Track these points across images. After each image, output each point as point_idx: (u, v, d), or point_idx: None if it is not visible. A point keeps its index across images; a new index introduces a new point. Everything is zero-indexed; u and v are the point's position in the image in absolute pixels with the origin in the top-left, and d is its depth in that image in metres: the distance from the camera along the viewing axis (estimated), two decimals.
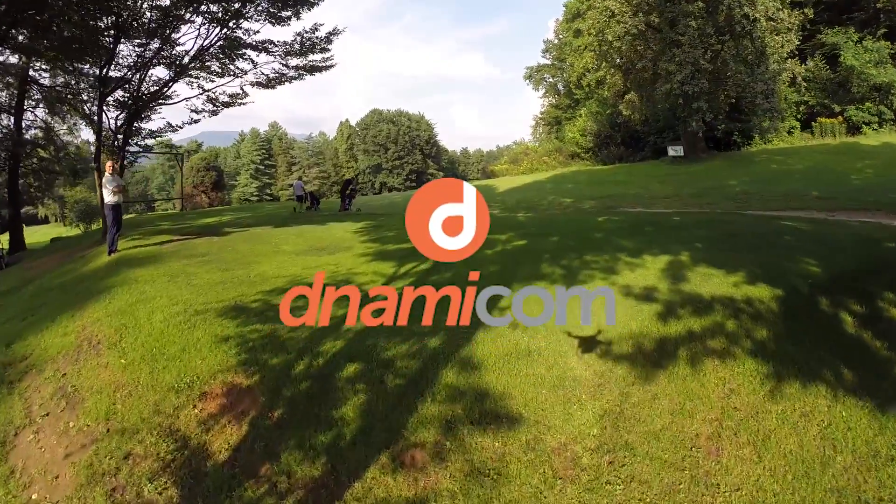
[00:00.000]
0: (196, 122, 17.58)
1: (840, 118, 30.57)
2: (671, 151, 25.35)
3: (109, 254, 11.86)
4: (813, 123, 30.72)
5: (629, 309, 5.95)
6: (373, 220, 15.04)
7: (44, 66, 19.30)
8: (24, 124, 24.01)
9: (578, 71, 45.84)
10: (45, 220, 56.28)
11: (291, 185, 73.51)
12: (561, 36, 52.20)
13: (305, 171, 74.13)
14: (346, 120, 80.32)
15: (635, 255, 8.45)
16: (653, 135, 30.78)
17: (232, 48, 16.91)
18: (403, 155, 75.56)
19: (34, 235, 40.11)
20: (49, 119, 26.27)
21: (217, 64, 17.56)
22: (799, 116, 32.12)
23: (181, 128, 17.76)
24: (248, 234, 13.28)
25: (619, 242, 9.34)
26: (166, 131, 17.90)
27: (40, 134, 26.34)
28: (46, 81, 21.37)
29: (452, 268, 7.67)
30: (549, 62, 55.28)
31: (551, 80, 55.77)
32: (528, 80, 56.71)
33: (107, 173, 12.18)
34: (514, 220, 12.96)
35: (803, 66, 28.15)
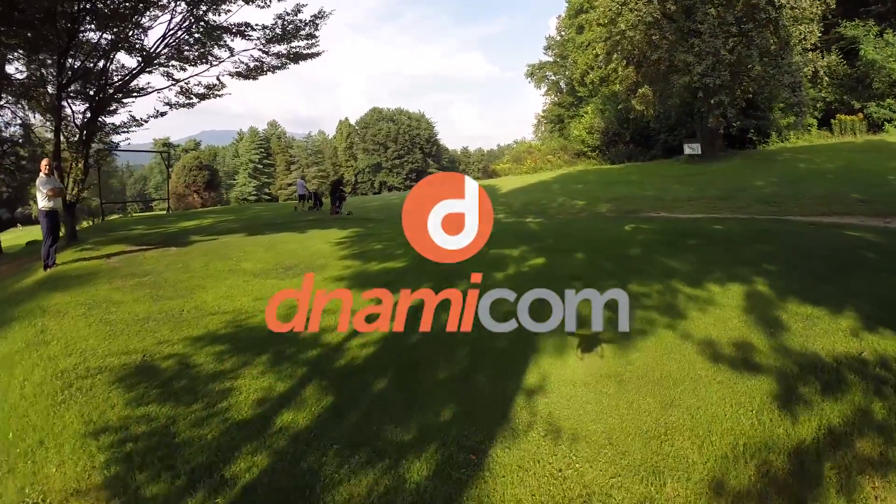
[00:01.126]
0: (163, 114, 15.30)
1: (860, 115, 28.42)
2: (687, 149, 23.01)
3: (45, 268, 9.80)
4: (832, 121, 28.54)
5: (729, 390, 3.71)
6: (362, 226, 12.81)
7: (10, 56, 17.02)
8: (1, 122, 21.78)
9: (582, 68, 43.50)
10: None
11: (290, 185, 71.36)
12: (563, 32, 49.92)
13: (304, 170, 71.77)
14: (346, 118, 77.95)
15: (694, 282, 6.20)
16: (664, 132, 28.42)
17: (207, 34, 14.63)
18: (403, 154, 73.19)
19: (24, 237, 37.96)
20: (27, 116, 24.02)
21: (189, 50, 15.27)
22: (816, 113, 29.93)
23: (146, 121, 15.48)
24: (214, 244, 11.06)
25: (665, 262, 7.10)
26: (131, 126, 15.59)
27: (20, 132, 24.10)
28: (22, 76, 19.10)
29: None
30: (551, 59, 52.94)
31: (553, 77, 53.43)
32: (529, 78, 54.38)
33: (41, 174, 10.05)
34: (524, 229, 10.70)
35: (825, 59, 25.82)
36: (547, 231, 10.00)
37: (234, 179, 73.41)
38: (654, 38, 20.87)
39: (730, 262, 7.07)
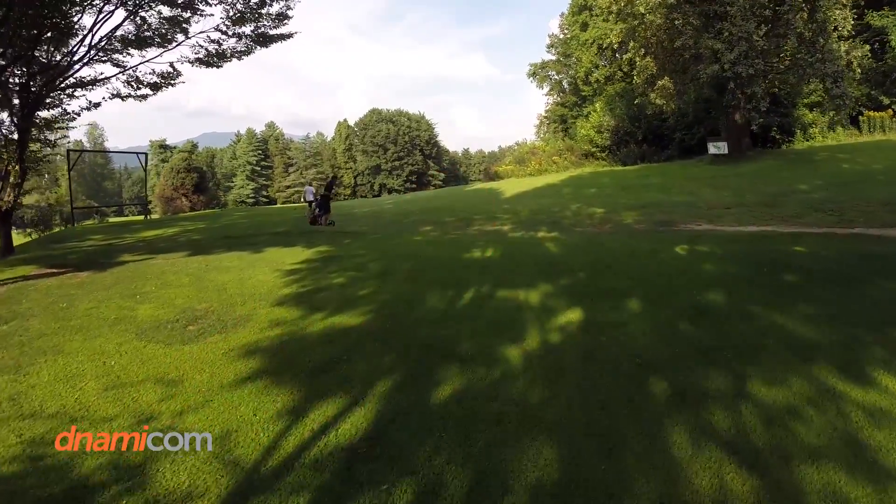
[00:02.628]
0: (97, 105, 12.60)
1: (889, 111, 25.64)
2: (712, 149, 20.16)
3: None
4: (860, 117, 25.76)
5: None
6: (334, 244, 10.04)
7: None
8: None
9: (586, 66, 40.67)
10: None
11: (289, 187, 68.55)
12: (566, 30, 47.08)
13: (302, 171, 69.08)
14: (345, 119, 75.07)
15: (854, 372, 3.44)
16: (679, 130, 25.57)
17: (151, 8, 11.88)
18: (403, 155, 70.28)
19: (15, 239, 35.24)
20: None
21: (139, 32, 12.55)
22: (849, 111, 27.13)
23: (78, 115, 12.77)
24: (135, 268, 8.34)
25: (776, 321, 4.32)
26: (62, 120, 12.88)
27: None
28: None
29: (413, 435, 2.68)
30: (553, 58, 50.08)
31: (556, 76, 50.56)
32: (531, 77, 51.48)
33: None
34: (540, 251, 7.92)
35: (859, 49, 22.94)
36: (573, 255, 7.21)
37: (232, 182, 70.73)
38: (676, 22, 18.05)
39: (873, 319, 4.32)
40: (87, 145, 71.28)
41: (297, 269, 7.23)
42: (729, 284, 5.38)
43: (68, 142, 64.92)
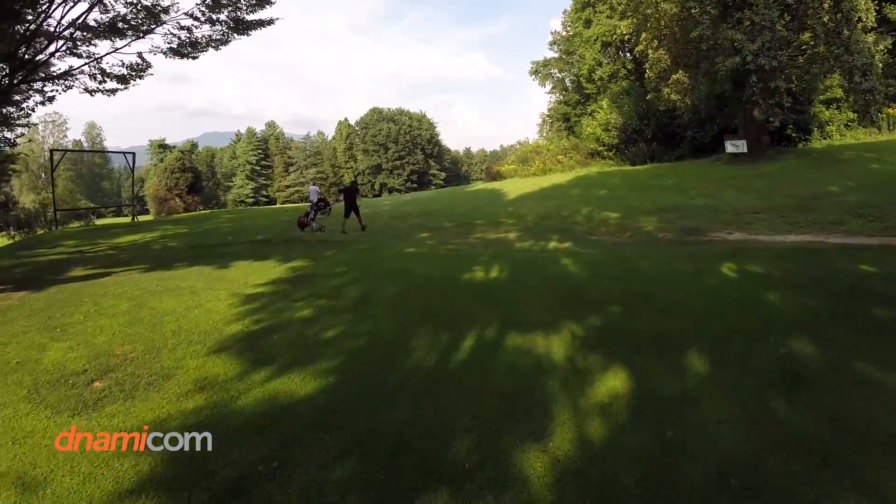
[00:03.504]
0: (51, 100, 11.31)
1: None
2: (730, 147, 18.72)
3: None
4: (879, 115, 24.32)
5: None
6: (315, 255, 8.71)
7: None
8: None
9: (589, 63, 39.24)
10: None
11: (288, 186, 67.26)
12: (569, 27, 45.59)
13: (303, 171, 67.80)
14: (346, 119, 73.63)
15: None
16: (691, 128, 24.11)
17: None
18: (404, 155, 68.85)
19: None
20: None
21: (108, 20, 11.24)
22: (856, 107, 25.70)
23: (33, 110, 11.49)
24: (73, 289, 7.04)
25: None
26: (17, 117, 11.58)
27: None
28: None
29: None
30: (556, 56, 48.56)
31: (559, 74, 49.04)
32: (533, 76, 49.90)
33: None
34: (555, 271, 6.56)
35: (884, 41, 21.46)
36: (597, 278, 5.84)
37: (232, 181, 69.46)
38: (693, 11, 16.65)
39: None
40: (85, 145, 70.10)
41: (259, 293, 5.91)
42: (811, 325, 4.03)
43: (68, 142, 63.70)
